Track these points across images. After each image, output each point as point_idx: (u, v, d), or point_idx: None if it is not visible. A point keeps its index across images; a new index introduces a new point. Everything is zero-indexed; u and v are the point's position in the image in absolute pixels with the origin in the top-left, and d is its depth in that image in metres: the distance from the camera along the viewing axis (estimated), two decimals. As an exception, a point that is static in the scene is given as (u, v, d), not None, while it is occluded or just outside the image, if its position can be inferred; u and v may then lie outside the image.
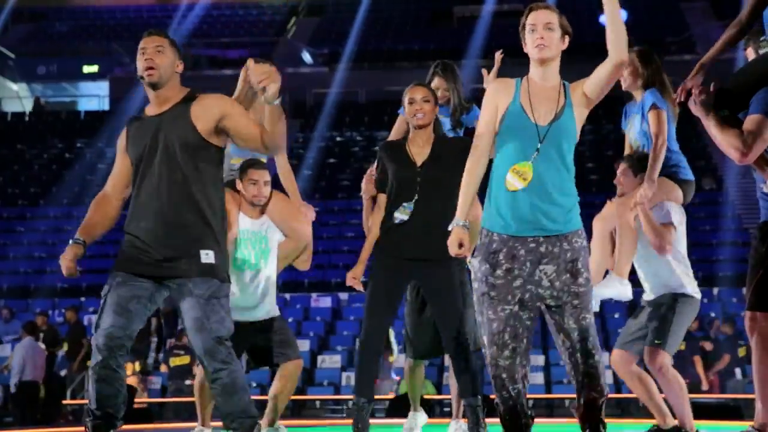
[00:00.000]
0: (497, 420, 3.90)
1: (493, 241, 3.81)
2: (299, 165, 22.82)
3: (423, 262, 4.86)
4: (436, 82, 5.60)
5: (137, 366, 13.66)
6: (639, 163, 5.28)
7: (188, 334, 3.96)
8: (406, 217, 4.87)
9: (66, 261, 4.13)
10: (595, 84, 3.83)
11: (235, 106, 4.08)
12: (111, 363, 3.90)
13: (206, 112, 3.99)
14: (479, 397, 4.89)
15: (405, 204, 4.89)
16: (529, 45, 3.87)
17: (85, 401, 4.90)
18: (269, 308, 5.29)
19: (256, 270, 5.23)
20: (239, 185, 5.24)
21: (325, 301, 17.26)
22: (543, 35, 3.83)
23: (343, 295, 17.40)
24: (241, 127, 4.00)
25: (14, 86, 30.00)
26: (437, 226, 4.83)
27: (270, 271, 5.31)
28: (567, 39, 3.89)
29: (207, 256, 3.95)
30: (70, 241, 4.14)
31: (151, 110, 4.10)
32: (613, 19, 3.78)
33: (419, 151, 4.95)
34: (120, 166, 4.18)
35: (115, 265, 4.03)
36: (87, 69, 28.92)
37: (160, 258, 3.94)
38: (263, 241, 5.29)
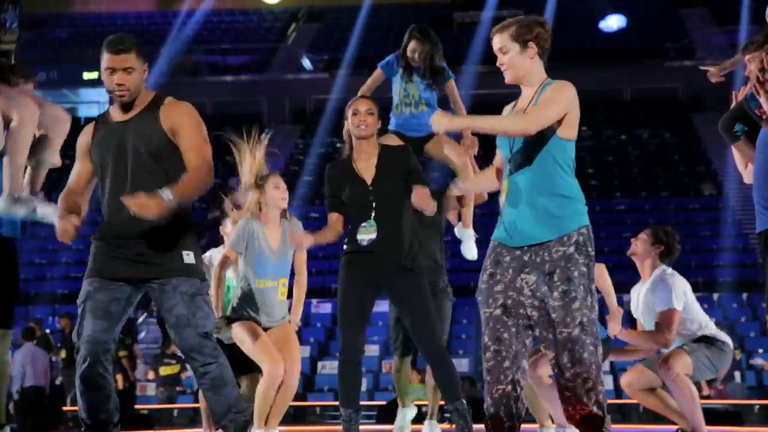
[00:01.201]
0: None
1: (489, 248, 3.83)
2: (299, 171, 22.81)
3: (389, 275, 4.84)
4: (412, 45, 5.62)
5: None
6: (663, 233, 5.60)
7: (173, 332, 3.95)
8: (374, 235, 4.82)
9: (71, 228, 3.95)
10: None
11: (193, 122, 4.02)
12: (98, 368, 3.88)
13: (171, 117, 3.99)
14: (464, 400, 4.89)
15: (365, 224, 4.84)
16: None
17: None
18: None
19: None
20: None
21: (326, 307, 17.25)
22: (501, 61, 3.81)
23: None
24: (186, 147, 3.98)
25: (14, 93, 29.99)
26: (398, 239, 4.85)
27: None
28: (533, 44, 3.79)
29: (188, 256, 3.97)
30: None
31: (117, 115, 4.09)
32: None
33: (365, 165, 4.92)
34: (81, 167, 4.13)
35: (88, 272, 4.00)
36: (87, 75, 28.89)
37: (141, 259, 3.93)
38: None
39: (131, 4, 31.86)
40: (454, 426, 4.94)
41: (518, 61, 3.79)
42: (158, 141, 3.97)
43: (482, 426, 3.84)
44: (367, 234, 4.83)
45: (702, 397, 12.19)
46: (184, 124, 3.99)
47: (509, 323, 3.74)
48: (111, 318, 3.92)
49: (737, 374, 13.55)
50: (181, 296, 3.91)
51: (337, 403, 5.22)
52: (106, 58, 4.04)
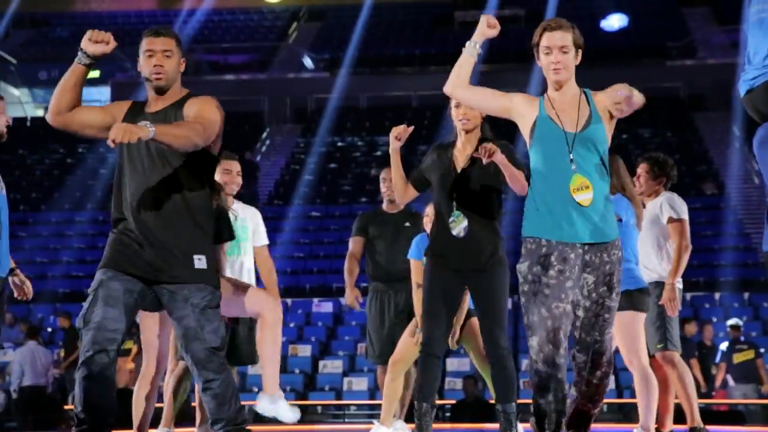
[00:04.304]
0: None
1: (542, 245, 3.74)
2: (300, 170, 22.80)
3: (471, 272, 4.80)
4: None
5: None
6: (659, 167, 5.59)
7: (180, 342, 3.85)
8: (465, 223, 4.75)
9: None
10: None
11: (209, 105, 3.93)
12: (102, 359, 3.70)
13: (192, 106, 3.93)
14: (515, 404, 4.85)
15: (452, 218, 4.77)
16: (545, 67, 3.84)
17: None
18: None
19: (231, 257, 5.21)
20: None
21: (327, 306, 17.23)
22: (559, 59, 3.80)
23: (345, 300, 17.36)
24: (192, 116, 3.90)
25: (16, 92, 30.01)
26: (481, 231, 4.77)
27: (247, 259, 5.28)
28: (580, 53, 3.86)
29: (200, 261, 3.86)
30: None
31: (149, 107, 4.04)
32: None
33: (461, 154, 4.87)
34: (95, 112, 4.09)
35: (104, 262, 3.91)
36: (89, 75, 28.90)
37: (153, 262, 3.84)
38: (240, 230, 5.25)
39: (133, 3, 31.88)
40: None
41: (572, 64, 3.84)
42: None
43: (477, 425, 3.86)
44: (457, 225, 4.77)
45: (704, 396, 12.24)
46: (198, 105, 3.92)
47: (571, 320, 3.75)
48: (123, 307, 3.78)
49: (728, 377, 13.48)
50: (192, 308, 3.80)
51: (338, 402, 5.22)
52: (145, 42, 4.00)
